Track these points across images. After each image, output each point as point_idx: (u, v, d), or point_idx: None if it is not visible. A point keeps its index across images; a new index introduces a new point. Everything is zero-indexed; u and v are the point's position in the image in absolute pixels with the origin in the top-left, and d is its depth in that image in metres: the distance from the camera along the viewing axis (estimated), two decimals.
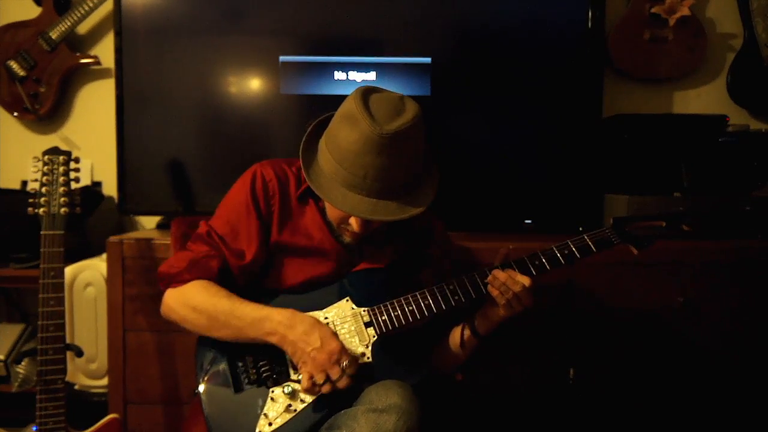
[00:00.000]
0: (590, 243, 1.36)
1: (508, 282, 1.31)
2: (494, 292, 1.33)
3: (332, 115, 1.32)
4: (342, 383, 1.24)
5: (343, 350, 1.26)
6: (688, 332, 1.87)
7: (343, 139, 1.23)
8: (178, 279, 1.35)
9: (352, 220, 1.30)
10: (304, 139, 1.32)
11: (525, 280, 1.32)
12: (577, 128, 2.11)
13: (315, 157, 1.31)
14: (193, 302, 1.33)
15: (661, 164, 2.07)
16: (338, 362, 1.24)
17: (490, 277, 1.34)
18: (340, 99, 2.02)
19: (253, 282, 1.41)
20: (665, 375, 1.88)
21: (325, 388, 1.24)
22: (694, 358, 1.88)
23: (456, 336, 1.45)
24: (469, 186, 2.10)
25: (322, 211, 1.41)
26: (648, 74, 2.36)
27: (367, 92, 1.26)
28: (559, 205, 2.13)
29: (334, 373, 1.24)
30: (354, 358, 1.27)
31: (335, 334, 1.28)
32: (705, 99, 2.44)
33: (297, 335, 1.26)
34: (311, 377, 1.24)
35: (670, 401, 1.89)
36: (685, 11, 2.27)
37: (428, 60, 2.07)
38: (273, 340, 1.28)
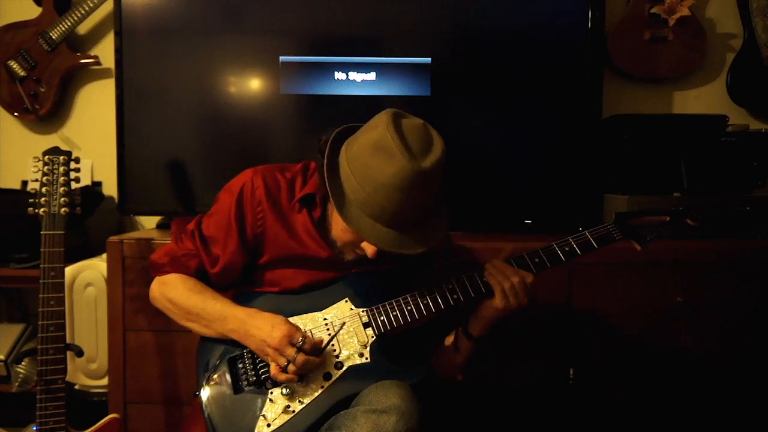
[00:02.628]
0: (591, 239, 1.36)
1: (507, 271, 1.31)
2: (491, 280, 1.32)
3: (346, 130, 1.30)
4: (300, 359, 1.24)
5: (294, 330, 1.28)
6: (687, 332, 1.87)
7: (377, 171, 1.19)
8: (162, 270, 1.42)
9: (367, 248, 1.27)
10: (326, 162, 1.24)
11: (525, 275, 1.31)
12: (576, 128, 2.11)
13: (340, 182, 1.25)
14: (170, 294, 1.39)
15: (661, 164, 2.06)
16: (291, 343, 1.25)
17: (488, 265, 1.33)
18: (340, 99, 2.06)
19: (231, 286, 1.45)
20: (665, 375, 1.88)
21: (291, 369, 1.25)
22: (694, 358, 1.88)
23: (450, 338, 1.45)
24: (470, 186, 2.09)
25: (315, 221, 1.40)
26: (648, 74, 2.36)
27: (396, 119, 1.21)
28: (559, 205, 2.13)
29: (290, 353, 1.24)
30: (310, 337, 1.28)
31: (288, 321, 1.30)
32: (705, 99, 2.44)
33: (252, 330, 1.29)
34: (275, 364, 1.26)
35: (669, 401, 1.89)
36: (684, 11, 2.27)
37: (428, 60, 2.06)
38: (235, 336, 1.33)
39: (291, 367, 1.25)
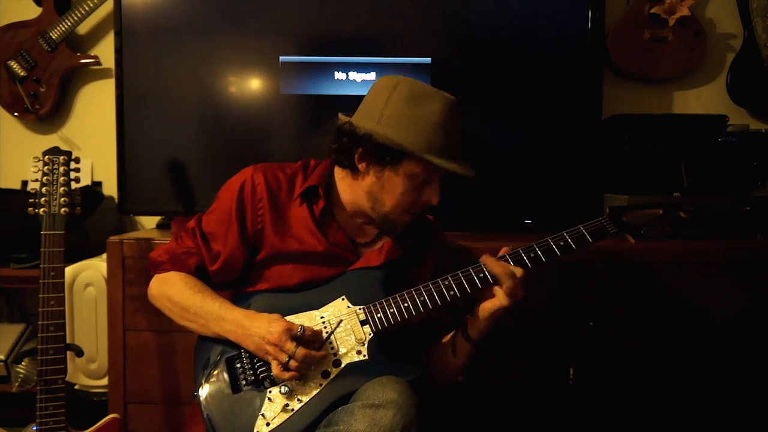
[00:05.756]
0: (586, 233, 1.36)
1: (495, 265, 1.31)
2: (495, 269, 1.31)
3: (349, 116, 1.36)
4: (300, 353, 1.24)
5: (292, 323, 1.28)
6: (687, 332, 1.87)
7: (428, 113, 1.29)
8: (161, 268, 1.42)
9: (433, 196, 1.35)
10: (373, 130, 1.31)
11: (516, 270, 1.31)
12: (576, 128, 2.11)
13: (393, 141, 1.30)
14: (169, 293, 1.39)
15: (661, 164, 2.06)
16: (291, 337, 1.25)
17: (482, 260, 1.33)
18: (341, 99, 2.05)
19: (230, 284, 1.45)
20: (665, 375, 1.88)
21: (293, 364, 1.24)
22: (694, 359, 1.88)
23: (447, 340, 1.44)
24: (469, 186, 2.08)
25: (316, 215, 1.40)
26: (648, 74, 2.36)
27: (403, 76, 1.35)
28: (559, 205, 2.13)
29: (290, 347, 1.24)
30: (309, 327, 1.28)
31: (284, 318, 1.30)
32: (705, 99, 2.44)
33: (250, 330, 1.29)
34: (276, 362, 1.26)
35: (669, 401, 1.89)
36: (684, 11, 2.27)
37: (428, 60, 2.07)
38: (232, 338, 1.33)
39: (293, 363, 1.24)
